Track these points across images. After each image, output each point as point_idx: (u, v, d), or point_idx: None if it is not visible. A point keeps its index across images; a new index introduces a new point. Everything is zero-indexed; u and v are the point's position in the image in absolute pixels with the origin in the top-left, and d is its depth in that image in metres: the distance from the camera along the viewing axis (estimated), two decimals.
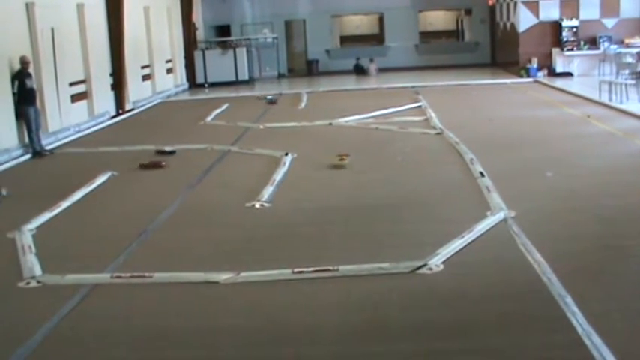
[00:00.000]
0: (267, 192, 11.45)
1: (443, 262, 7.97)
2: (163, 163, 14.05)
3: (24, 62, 16.17)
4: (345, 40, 35.71)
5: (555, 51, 27.94)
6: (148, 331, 6.74)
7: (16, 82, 16.06)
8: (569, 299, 6.80)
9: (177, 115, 22.41)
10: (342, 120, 18.77)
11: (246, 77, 31.11)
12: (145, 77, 26.23)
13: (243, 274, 7.91)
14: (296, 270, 7.91)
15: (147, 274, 8.08)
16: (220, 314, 7.07)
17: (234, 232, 9.72)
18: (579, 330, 6.21)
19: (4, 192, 12.03)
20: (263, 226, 9.95)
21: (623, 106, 18.84)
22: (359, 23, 35.87)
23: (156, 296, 7.61)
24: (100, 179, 13.10)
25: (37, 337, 6.67)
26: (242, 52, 31.26)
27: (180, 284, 7.85)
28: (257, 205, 10.83)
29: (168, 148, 15.39)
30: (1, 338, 6.74)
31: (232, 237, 9.52)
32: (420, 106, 20.88)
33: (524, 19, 28.41)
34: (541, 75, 27.51)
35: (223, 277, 7.84)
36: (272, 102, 23.94)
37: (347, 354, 6.14)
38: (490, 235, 8.92)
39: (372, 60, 32.86)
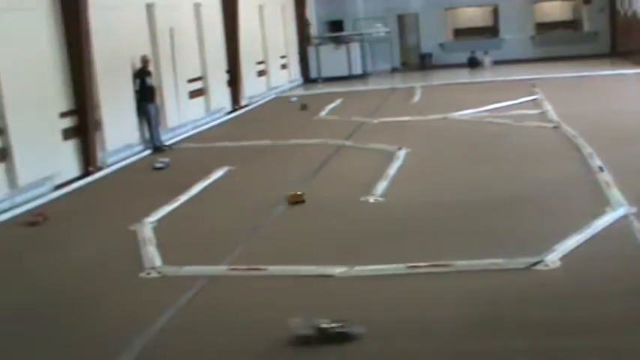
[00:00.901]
0: (381, 186, 11.44)
1: (560, 259, 7.78)
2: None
3: (145, 61, 16.71)
4: (459, 32, 35.24)
5: None
6: (262, 323, 6.84)
7: (138, 81, 16.62)
8: None
9: (292, 111, 22.63)
10: (456, 114, 18.54)
11: (360, 72, 31.16)
12: (260, 73, 26.62)
13: (356, 268, 7.94)
14: (410, 265, 7.88)
15: (262, 266, 8.22)
16: (333, 308, 7.06)
17: (348, 226, 9.76)
18: None
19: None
20: (377, 220, 9.95)
21: None
22: (472, 15, 35.30)
23: (270, 289, 7.73)
24: (217, 173, 13.40)
25: (156, 326, 6.89)
26: (355, 47, 31.34)
27: (294, 277, 7.94)
28: (371, 200, 10.84)
29: None
30: (123, 326, 7.00)
31: (346, 231, 9.56)
32: (535, 99, 20.40)
33: None
34: None
35: (337, 270, 7.89)
36: (303, 107, 22.41)
37: (461, 350, 6.07)
38: (610, 232, 8.64)
39: (486, 53, 32.37)
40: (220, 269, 8.33)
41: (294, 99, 24.33)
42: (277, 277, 8.01)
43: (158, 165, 10.85)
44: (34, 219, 11.11)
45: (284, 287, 7.75)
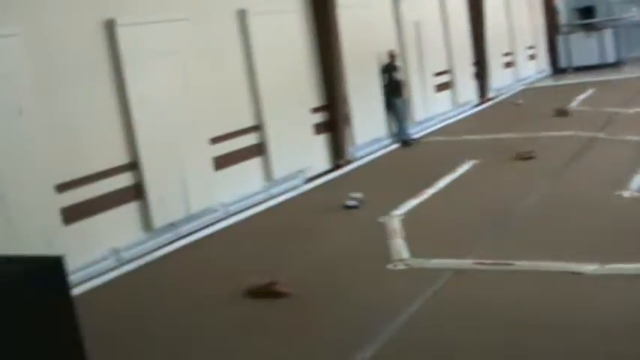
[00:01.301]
0: (638, 181, 10.89)
1: None
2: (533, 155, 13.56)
3: (392, 56, 17.01)
4: None
5: None
6: (506, 319, 6.78)
7: (385, 75, 16.95)
8: None
9: (540, 102, 22.04)
10: None
11: (613, 60, 29.69)
12: (507, 65, 26.16)
13: (609, 266, 7.64)
14: None
15: (508, 261, 8.12)
16: (582, 308, 6.86)
17: (601, 222, 9.39)
18: None
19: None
20: (632, 216, 9.49)
21: None
22: None
23: (516, 285, 7.62)
24: (463, 167, 13.37)
25: (402, 317, 7.04)
26: (608, 34, 29.88)
27: (542, 274, 7.78)
28: (626, 195, 10.35)
29: None
30: (370, 315, 7.21)
31: (598, 227, 9.20)
32: None
33: None
34: None
35: (588, 268, 7.63)
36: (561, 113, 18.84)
37: None
38: None
39: None
40: (466, 263, 8.34)
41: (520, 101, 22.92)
42: (524, 273, 7.88)
43: (350, 203, 10.94)
44: None
45: (530, 283, 7.61)
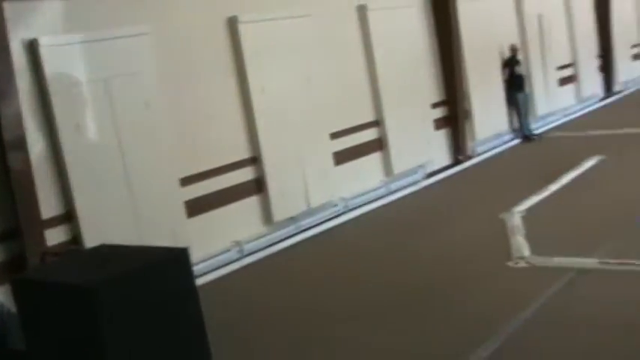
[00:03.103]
0: None
1: None
2: None
3: (513, 50, 16.70)
4: None
5: None
6: (633, 321, 6.57)
7: (507, 69, 16.67)
8: None
9: None
10: None
11: None
12: (635, 57, 25.23)
13: None
14: None
15: (636, 262, 7.87)
16: None
17: None
18: None
19: None
20: None
21: None
22: None
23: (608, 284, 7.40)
24: (588, 163, 13.02)
25: (523, 315, 6.94)
26: None
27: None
28: None
29: None
30: (490, 313, 7.15)
31: None
32: None
33: None
34: None
35: None
36: None
37: None
38: None
39: None
40: (591, 262, 8.12)
41: None
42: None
43: None
44: None
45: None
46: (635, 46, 25.09)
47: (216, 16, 10.56)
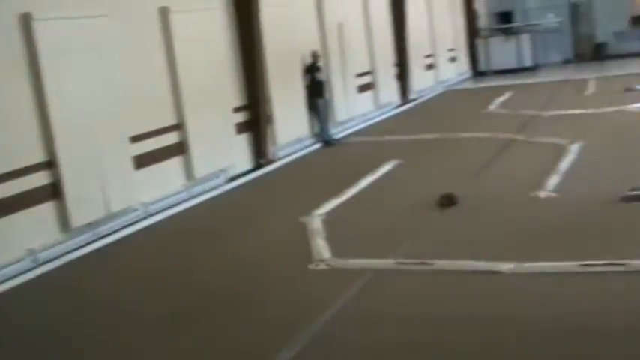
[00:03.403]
0: (553, 182, 11.14)
1: None
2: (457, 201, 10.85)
3: (314, 56, 17.04)
4: (637, 20, 33.50)
5: None
6: (427, 318, 6.86)
7: (308, 76, 16.97)
8: None
9: (461, 104, 22.41)
10: (633, 106, 17.71)
11: (530, 64, 30.39)
12: (428, 67, 26.50)
13: (527, 264, 7.79)
14: (582, 263, 7.63)
15: (429, 261, 8.21)
16: (501, 305, 7.00)
17: (518, 222, 9.56)
18: None
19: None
20: (548, 216, 9.70)
21: None
22: None
23: (437, 284, 7.70)
24: (385, 167, 13.47)
25: (325, 317, 7.03)
26: (525, 39, 30.58)
27: (462, 273, 7.87)
28: (542, 195, 10.58)
29: None
30: (293, 316, 7.19)
31: (516, 227, 9.36)
32: None
33: None
34: None
35: (506, 267, 7.76)
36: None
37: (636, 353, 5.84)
38: None
39: None
40: (387, 263, 8.39)
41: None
42: (444, 272, 7.97)
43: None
44: None
45: (451, 282, 7.70)
46: (428, 56, 26.35)
47: (7, 12, 9.99)
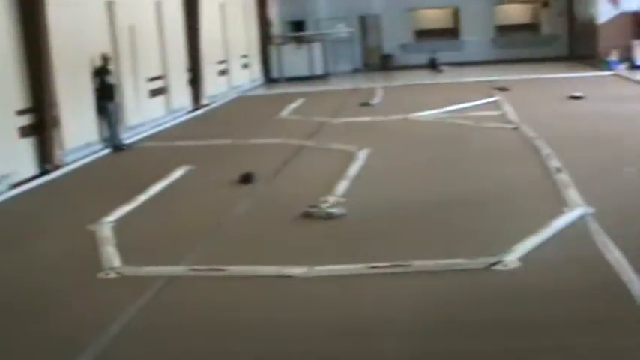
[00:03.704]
0: (342, 187, 11.45)
1: (519, 259, 7.84)
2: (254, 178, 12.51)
3: (104, 59, 16.54)
4: (420, 34, 35.38)
5: (636, 43, 27.18)
6: (221, 323, 6.82)
7: (97, 79, 16.45)
8: None
9: (253, 110, 22.60)
10: (417, 114, 18.64)
11: (321, 72, 31.19)
12: (221, 73, 26.53)
13: (317, 268, 7.93)
14: (371, 265, 7.89)
15: (222, 267, 8.17)
16: (294, 308, 7.10)
17: (309, 227, 9.74)
18: None
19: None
20: (338, 221, 9.94)
21: None
22: (434, 17, 35.52)
23: (230, 289, 7.69)
24: (177, 173, 13.30)
25: (115, 326, 6.81)
26: (317, 47, 31.37)
27: (255, 278, 7.91)
28: (332, 200, 10.83)
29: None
30: (82, 327, 6.91)
31: (307, 232, 9.55)
32: (495, 101, 20.60)
33: (604, 11, 27.79)
34: (621, 68, 26.81)
35: (297, 271, 7.87)
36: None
37: (419, 350, 6.09)
38: (567, 233, 8.74)
39: (435, 66, 32.28)
40: (180, 269, 8.27)
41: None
42: (237, 278, 7.97)
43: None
44: None
45: (244, 287, 7.72)
46: (221, 62, 26.39)
47: None
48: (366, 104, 21.74)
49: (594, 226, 8.79)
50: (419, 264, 7.84)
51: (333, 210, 10.09)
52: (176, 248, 9.07)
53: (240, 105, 24.66)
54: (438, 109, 19.13)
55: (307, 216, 10.00)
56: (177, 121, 20.87)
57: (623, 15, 27.55)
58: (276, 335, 6.50)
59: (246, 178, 12.31)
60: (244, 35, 29.35)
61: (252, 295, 7.51)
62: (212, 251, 8.96)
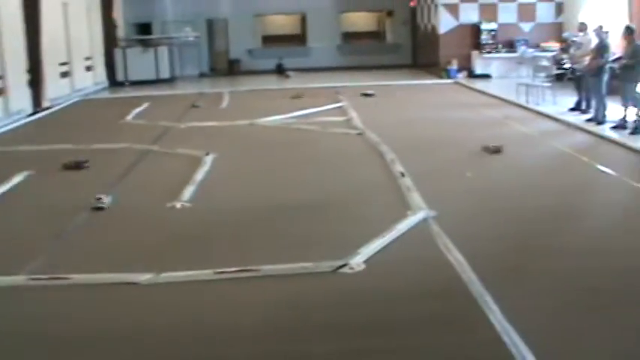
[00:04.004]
0: (189, 192, 11.32)
1: (364, 262, 8.00)
2: (86, 164, 13.50)
3: None
4: (268, 39, 35.59)
5: (474, 53, 28.45)
6: (63, 334, 6.59)
7: None
8: (488, 298, 6.91)
9: (97, 114, 22.01)
10: (263, 120, 18.70)
11: (168, 76, 30.77)
12: (64, 74, 25.69)
13: (163, 275, 7.80)
14: (218, 270, 7.84)
15: (65, 275, 7.90)
16: (140, 316, 6.96)
17: (155, 233, 9.58)
18: (498, 328, 6.30)
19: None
20: (184, 226, 9.83)
21: (539, 108, 19.33)
22: (281, 23, 35.81)
23: (74, 299, 7.44)
24: (16, 179, 12.74)
25: None
26: (163, 51, 30.90)
27: (100, 286, 7.69)
28: (178, 206, 10.70)
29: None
30: None
31: (153, 238, 9.38)
32: (341, 107, 20.98)
33: (445, 22, 28.85)
34: (461, 77, 27.97)
35: (143, 278, 7.72)
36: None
37: (267, 354, 6.11)
38: (411, 235, 9.00)
39: (282, 72, 32.65)
40: (20, 279, 7.91)
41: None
42: (81, 286, 7.72)
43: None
44: None
45: (88, 296, 7.49)
46: (64, 64, 25.57)
47: None
48: (196, 107, 22.40)
49: (436, 229, 9.09)
50: (266, 268, 7.86)
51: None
52: (16, 257, 8.68)
53: (83, 108, 23.93)
54: (284, 115, 19.27)
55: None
56: (16, 124, 20.00)
57: (463, 26, 28.71)
58: (114, 346, 6.34)
59: (75, 165, 12.83)
60: (88, 36, 28.53)
61: (93, 304, 7.30)
62: (56, 260, 8.62)
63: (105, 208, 10.55)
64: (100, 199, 10.76)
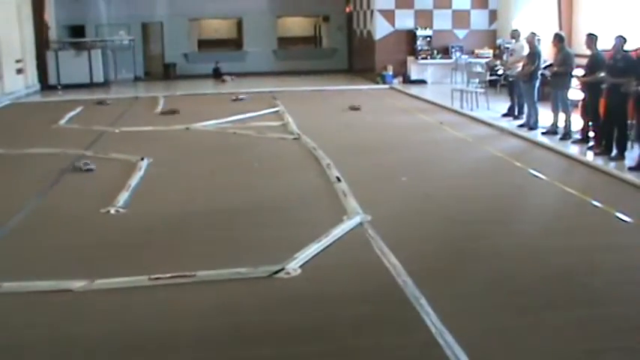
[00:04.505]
0: (123, 197, 11.19)
1: (300, 266, 8.02)
2: None
3: None
4: (204, 44, 35.35)
5: (410, 59, 28.73)
6: None
7: None
8: (423, 300, 6.99)
9: (29, 118, 21.58)
10: (199, 124, 18.58)
11: (102, 80, 30.31)
12: (19, 71, 25.14)
13: (97, 281, 7.69)
14: (152, 277, 7.76)
15: None
16: (73, 323, 6.85)
17: (89, 239, 9.43)
18: (433, 330, 6.39)
19: None
20: (119, 232, 9.71)
21: (473, 114, 19.61)
22: (218, 27, 35.63)
23: (4, 307, 7.29)
24: None
25: None
26: (97, 54, 30.40)
27: (31, 294, 7.54)
28: (112, 211, 10.56)
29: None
30: None
31: (86, 244, 9.22)
32: (277, 112, 20.97)
33: (381, 28, 29.05)
34: (396, 82, 28.20)
35: (77, 285, 7.59)
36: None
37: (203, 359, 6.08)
38: (347, 239, 9.05)
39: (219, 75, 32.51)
40: None
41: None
42: (13, 294, 7.55)
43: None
44: None
45: (20, 304, 7.34)
46: (18, 61, 25.10)
47: None
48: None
49: (372, 233, 9.16)
50: (202, 274, 7.81)
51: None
52: None
53: (14, 112, 23.41)
54: (220, 119, 19.18)
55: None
56: None
57: (398, 32, 28.95)
58: (45, 356, 6.23)
59: None
60: (19, 38, 27.95)
61: (24, 312, 7.16)
62: None
63: None
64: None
